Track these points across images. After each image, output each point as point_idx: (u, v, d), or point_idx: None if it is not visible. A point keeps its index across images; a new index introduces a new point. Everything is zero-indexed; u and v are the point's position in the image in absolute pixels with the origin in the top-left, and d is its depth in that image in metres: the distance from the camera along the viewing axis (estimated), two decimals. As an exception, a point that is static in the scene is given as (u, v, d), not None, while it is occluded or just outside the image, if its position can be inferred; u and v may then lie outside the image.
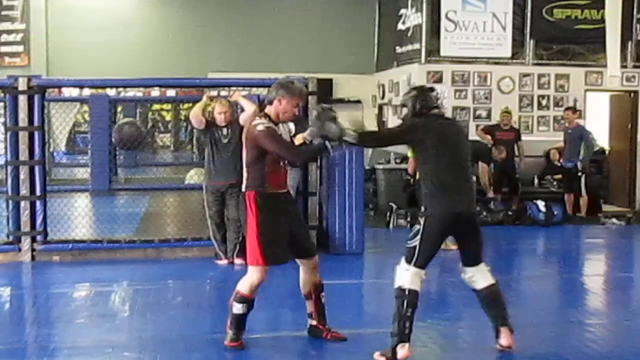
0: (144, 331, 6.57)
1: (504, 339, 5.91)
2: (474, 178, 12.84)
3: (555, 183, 14.21)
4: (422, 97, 5.96)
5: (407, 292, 5.74)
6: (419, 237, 5.75)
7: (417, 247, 5.76)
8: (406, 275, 5.78)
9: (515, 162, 13.48)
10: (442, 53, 14.31)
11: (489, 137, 13.32)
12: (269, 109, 6.04)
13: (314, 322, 6.31)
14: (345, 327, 6.65)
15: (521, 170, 13.70)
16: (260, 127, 5.92)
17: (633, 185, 14.80)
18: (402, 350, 5.67)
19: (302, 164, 8.98)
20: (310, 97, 10.02)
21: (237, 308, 6.02)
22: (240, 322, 6.05)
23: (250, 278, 6.04)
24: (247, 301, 6.02)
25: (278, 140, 5.92)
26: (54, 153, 16.89)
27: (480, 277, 5.96)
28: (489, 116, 14.21)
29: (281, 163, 6.07)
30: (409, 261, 5.82)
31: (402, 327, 5.69)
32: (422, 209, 5.84)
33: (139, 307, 7.42)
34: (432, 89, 6.15)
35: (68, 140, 17.78)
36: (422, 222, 5.75)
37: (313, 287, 6.25)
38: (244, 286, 6.05)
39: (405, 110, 6.00)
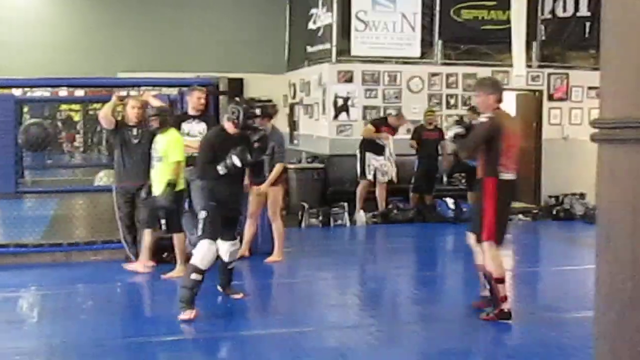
0: (54, 337, 6.43)
1: None
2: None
3: (463, 181, 14.46)
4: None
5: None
6: None
7: None
8: None
9: (438, 162, 13.64)
10: (353, 53, 14.39)
11: (414, 142, 13.42)
12: None
13: None
14: (258, 327, 6.69)
15: (443, 169, 13.90)
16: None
17: (539, 182, 15.17)
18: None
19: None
20: (221, 97, 9.98)
21: (501, 286, 6.83)
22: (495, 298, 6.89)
23: (490, 255, 6.82)
24: (503, 278, 6.86)
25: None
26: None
27: None
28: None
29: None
30: None
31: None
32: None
33: (47, 313, 7.26)
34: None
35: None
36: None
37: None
38: (490, 265, 6.83)
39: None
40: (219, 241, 7.14)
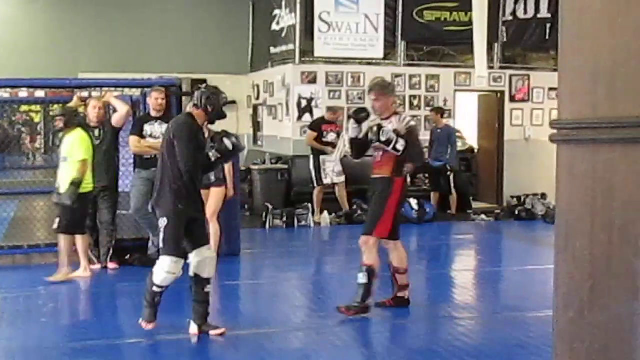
0: (14, 340, 6.36)
1: None
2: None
3: (427, 181, 14.53)
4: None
5: None
6: None
7: None
8: None
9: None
10: (316, 54, 14.40)
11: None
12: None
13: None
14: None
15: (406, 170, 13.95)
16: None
17: (501, 182, 15.29)
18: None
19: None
20: (183, 98, 9.94)
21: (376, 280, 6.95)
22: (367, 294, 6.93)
23: (373, 251, 6.91)
24: (373, 270, 6.89)
25: None
26: None
27: None
28: (362, 116, 14.37)
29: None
30: None
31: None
32: None
33: (7, 316, 7.17)
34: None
35: None
36: None
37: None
38: (372, 259, 6.87)
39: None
40: (194, 253, 6.25)
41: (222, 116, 6.48)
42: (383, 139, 6.85)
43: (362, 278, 6.91)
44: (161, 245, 6.23)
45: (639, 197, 2.28)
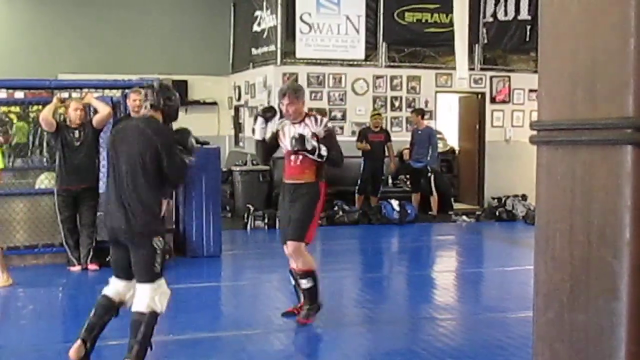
0: (-7, 343, 6.32)
1: None
2: None
3: (408, 182, 14.56)
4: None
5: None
6: None
7: None
8: None
9: (384, 164, 13.75)
10: (298, 55, 14.42)
11: (367, 146, 13.48)
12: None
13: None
14: (202, 330, 6.63)
15: (390, 171, 14.03)
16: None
17: (481, 183, 15.36)
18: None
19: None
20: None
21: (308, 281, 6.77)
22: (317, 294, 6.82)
23: (306, 255, 6.84)
24: (314, 272, 6.82)
25: None
26: None
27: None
28: (344, 117, 14.43)
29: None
30: None
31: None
32: None
33: (-14, 318, 7.14)
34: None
35: None
36: None
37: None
38: (309, 263, 6.81)
39: None
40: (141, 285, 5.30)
41: (176, 118, 5.61)
42: (309, 147, 6.59)
43: (306, 283, 6.80)
44: (158, 270, 5.23)
45: (617, 198, 2.29)
